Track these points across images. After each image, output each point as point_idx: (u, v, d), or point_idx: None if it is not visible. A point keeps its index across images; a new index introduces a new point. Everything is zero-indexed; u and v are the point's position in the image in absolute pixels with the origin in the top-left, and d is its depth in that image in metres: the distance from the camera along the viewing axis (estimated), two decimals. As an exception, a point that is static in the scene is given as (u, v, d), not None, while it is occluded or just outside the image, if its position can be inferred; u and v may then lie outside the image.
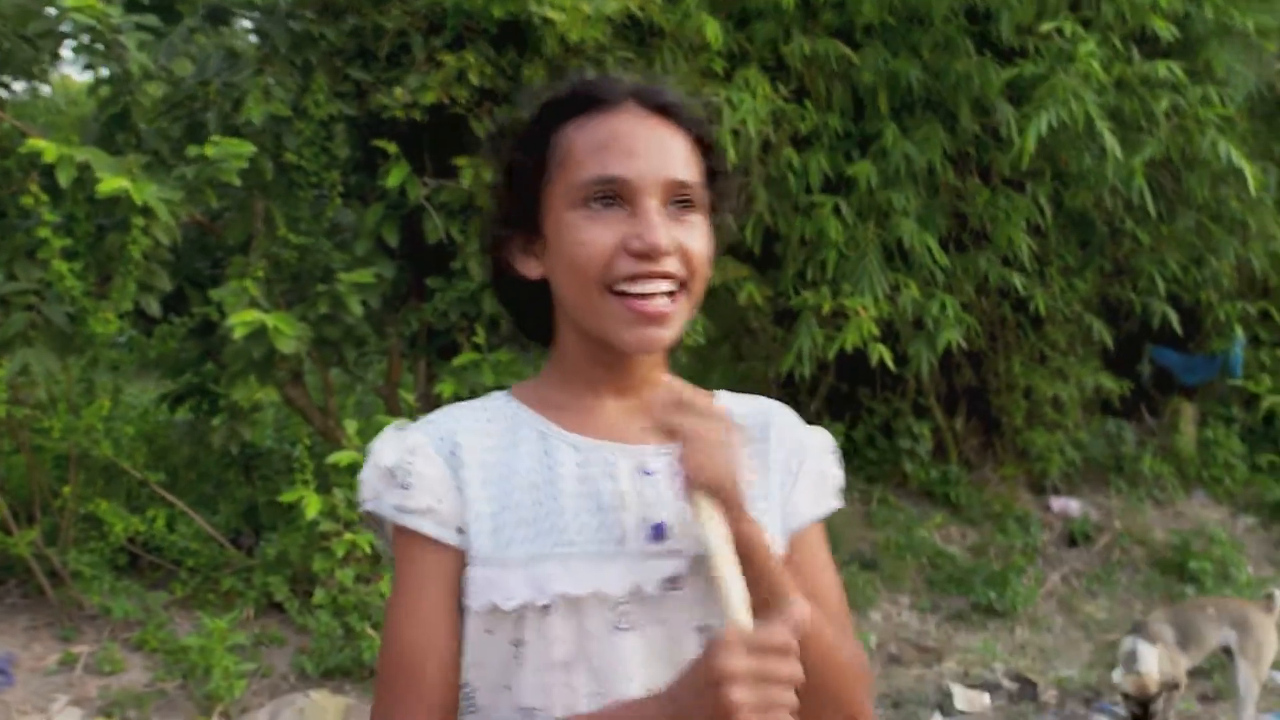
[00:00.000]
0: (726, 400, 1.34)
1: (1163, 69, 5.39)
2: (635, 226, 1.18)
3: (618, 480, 1.22)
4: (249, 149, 4.43)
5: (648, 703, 1.10)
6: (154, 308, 4.65)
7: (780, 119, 5.43)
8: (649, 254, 1.18)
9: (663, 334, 1.20)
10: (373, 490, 1.24)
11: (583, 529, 1.20)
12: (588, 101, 1.23)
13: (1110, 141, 5.18)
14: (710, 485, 1.12)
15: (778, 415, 1.35)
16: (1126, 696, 4.22)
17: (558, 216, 1.22)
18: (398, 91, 4.74)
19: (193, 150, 4.45)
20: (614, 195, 1.19)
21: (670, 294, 1.20)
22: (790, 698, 1.03)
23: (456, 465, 1.22)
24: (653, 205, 1.19)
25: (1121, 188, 5.63)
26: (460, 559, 1.20)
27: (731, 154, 4.99)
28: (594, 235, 1.19)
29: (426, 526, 1.20)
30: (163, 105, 5.07)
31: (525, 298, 1.31)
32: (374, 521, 1.27)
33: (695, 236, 1.22)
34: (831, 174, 5.65)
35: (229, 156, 4.39)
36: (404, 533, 1.22)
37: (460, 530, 1.20)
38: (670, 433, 1.15)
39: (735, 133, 5.03)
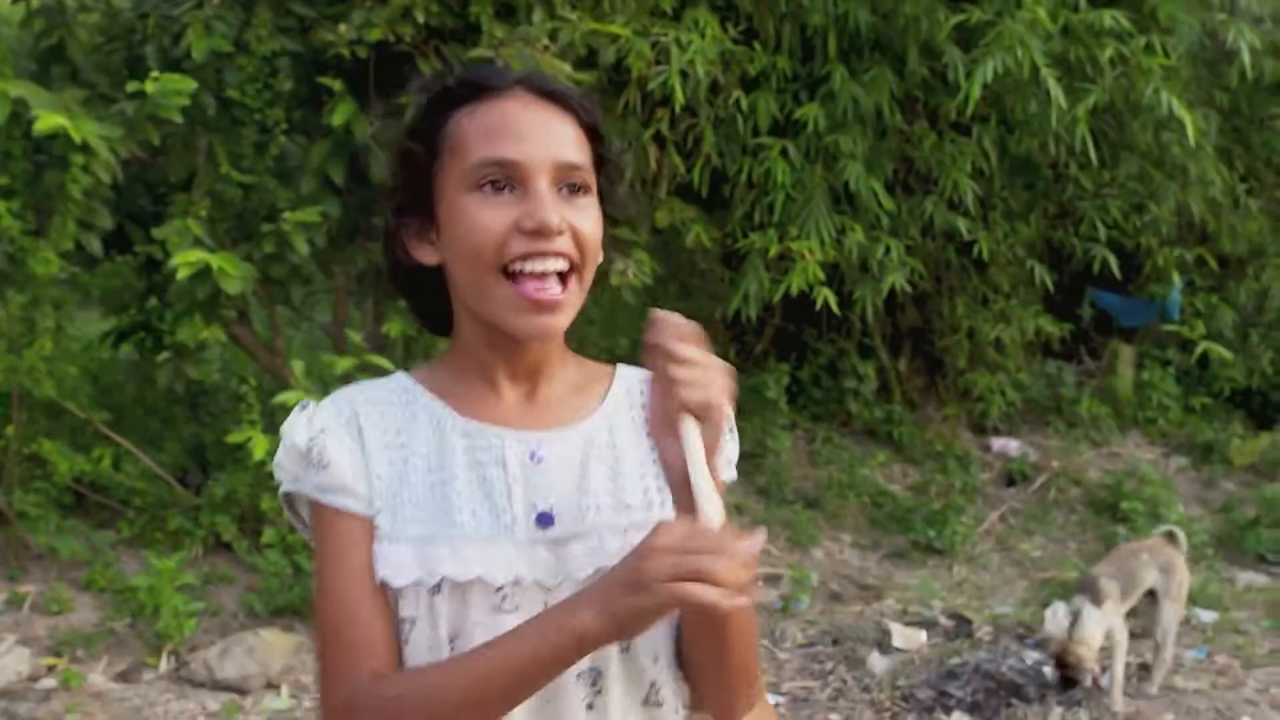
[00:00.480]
0: (626, 372, 1.37)
1: (1108, 17, 5.42)
2: (526, 206, 1.21)
3: (506, 467, 1.26)
4: (190, 85, 4.37)
5: (583, 590, 1.15)
6: (95, 246, 4.60)
7: (729, 60, 5.42)
8: (540, 231, 1.20)
9: (555, 321, 1.23)
10: (291, 473, 1.27)
11: (473, 514, 1.24)
12: (477, 89, 1.26)
13: (1054, 89, 5.23)
14: (702, 407, 1.15)
15: None
16: (1058, 659, 4.34)
17: (450, 201, 1.24)
18: (342, 28, 4.67)
19: (132, 86, 4.38)
20: (505, 178, 1.22)
21: (563, 276, 1.22)
22: (709, 590, 1.05)
23: (362, 443, 1.26)
24: (543, 186, 1.22)
25: (1065, 134, 5.69)
26: (373, 530, 1.24)
27: (680, 95, 4.98)
28: (486, 218, 1.21)
29: (347, 502, 1.24)
30: (100, 38, 4.97)
31: (423, 286, 1.33)
32: (287, 502, 1.30)
33: (587, 218, 1.25)
34: (780, 116, 5.66)
35: (170, 93, 4.32)
36: (325, 509, 1.25)
37: (370, 503, 1.24)
38: (668, 355, 1.17)
39: (684, 73, 5.02)
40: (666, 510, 1.28)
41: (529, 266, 1.21)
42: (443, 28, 4.86)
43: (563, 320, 1.24)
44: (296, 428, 1.27)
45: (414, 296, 1.37)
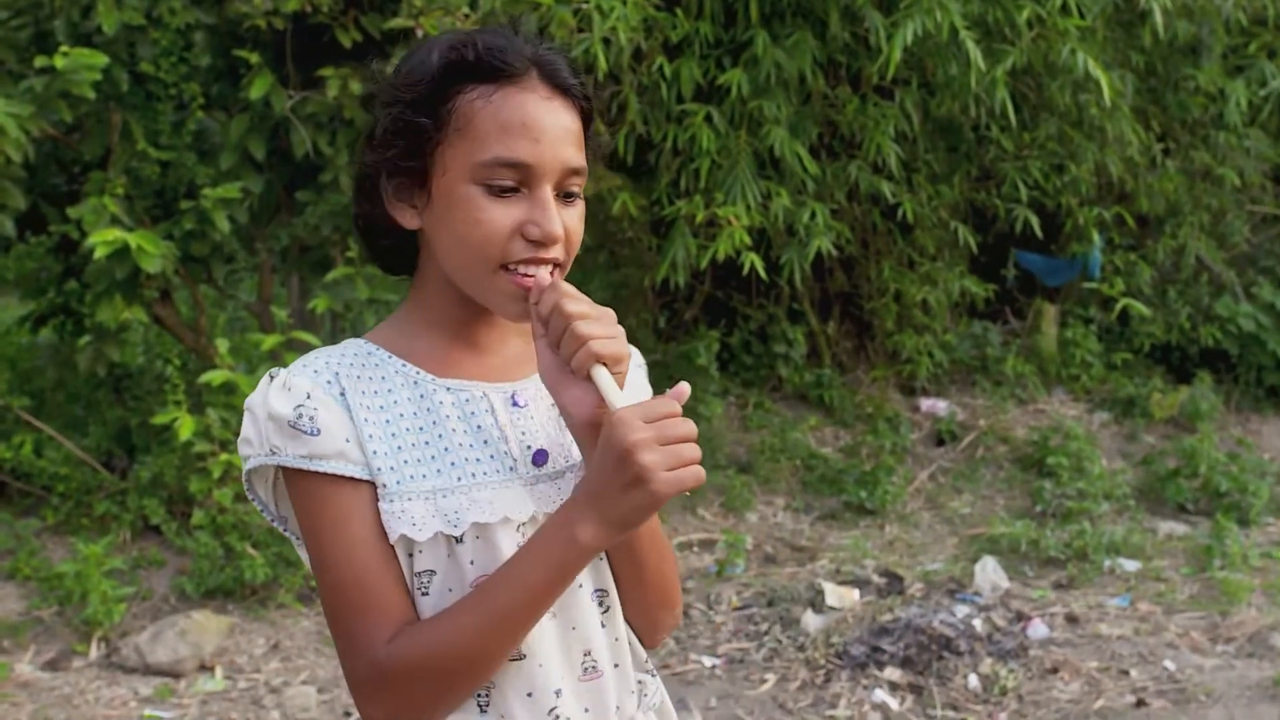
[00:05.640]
0: None
1: (1025, -22, 5.49)
2: (533, 213, 1.25)
3: (495, 414, 1.32)
4: (102, 60, 4.27)
5: (568, 507, 1.21)
6: (8, 227, 4.49)
7: (652, 26, 5.41)
8: (544, 242, 1.25)
9: None
10: (268, 446, 1.24)
11: (478, 461, 1.29)
12: (491, 70, 1.26)
13: (973, 51, 5.28)
14: (614, 358, 1.21)
15: None
16: None
17: (452, 185, 1.26)
18: (257, -1, 4.59)
19: (41, 61, 4.27)
20: (516, 179, 1.25)
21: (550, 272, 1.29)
22: (695, 450, 1.16)
23: (348, 405, 1.26)
24: (549, 193, 1.26)
25: (985, 96, 5.76)
26: (374, 492, 1.24)
27: (602, 62, 4.96)
28: (492, 216, 1.25)
29: (343, 467, 1.23)
30: (5, 13, 4.83)
31: (390, 236, 1.35)
32: (248, 482, 1.29)
33: (577, 219, 1.30)
34: (703, 82, 5.66)
35: (81, 68, 4.22)
36: (314, 478, 1.23)
37: (367, 466, 1.24)
38: (569, 315, 1.22)
39: (606, 41, 5.00)
40: None
41: (525, 270, 1.26)
42: (361, -2, 4.79)
43: None
44: (276, 398, 1.24)
45: (375, 240, 1.38)
